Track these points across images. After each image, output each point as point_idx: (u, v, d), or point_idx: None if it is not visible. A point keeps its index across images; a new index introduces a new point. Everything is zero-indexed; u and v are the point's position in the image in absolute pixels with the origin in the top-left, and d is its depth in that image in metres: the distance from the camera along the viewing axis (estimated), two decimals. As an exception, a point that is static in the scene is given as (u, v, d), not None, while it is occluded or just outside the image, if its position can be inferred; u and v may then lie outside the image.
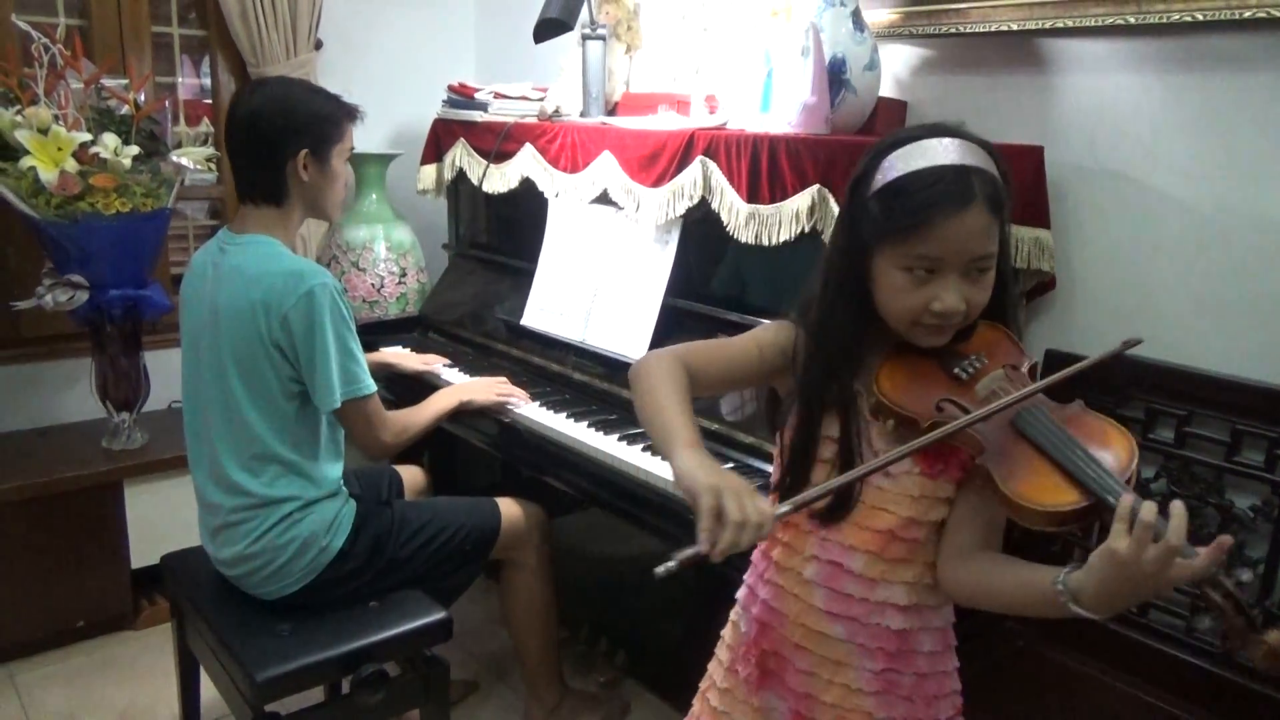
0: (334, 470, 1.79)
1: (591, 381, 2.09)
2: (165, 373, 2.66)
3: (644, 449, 1.82)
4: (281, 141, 1.72)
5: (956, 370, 1.05)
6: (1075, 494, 0.91)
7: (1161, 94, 1.69)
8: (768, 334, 1.18)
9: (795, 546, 1.11)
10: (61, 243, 2.26)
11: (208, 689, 1.94)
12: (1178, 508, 0.82)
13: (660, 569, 0.90)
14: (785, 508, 0.95)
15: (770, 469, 1.66)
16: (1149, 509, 0.82)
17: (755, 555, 1.19)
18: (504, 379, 2.10)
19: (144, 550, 2.45)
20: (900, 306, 1.03)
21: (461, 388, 2.05)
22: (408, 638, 1.68)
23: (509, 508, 1.95)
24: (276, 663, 1.56)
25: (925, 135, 1.03)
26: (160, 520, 2.45)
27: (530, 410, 2.02)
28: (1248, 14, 1.51)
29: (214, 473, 1.73)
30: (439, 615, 1.72)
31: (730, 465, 1.74)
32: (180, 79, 2.78)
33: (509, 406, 2.03)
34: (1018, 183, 1.69)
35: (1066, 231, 1.81)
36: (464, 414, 2.02)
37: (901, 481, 1.05)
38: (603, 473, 1.83)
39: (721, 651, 1.24)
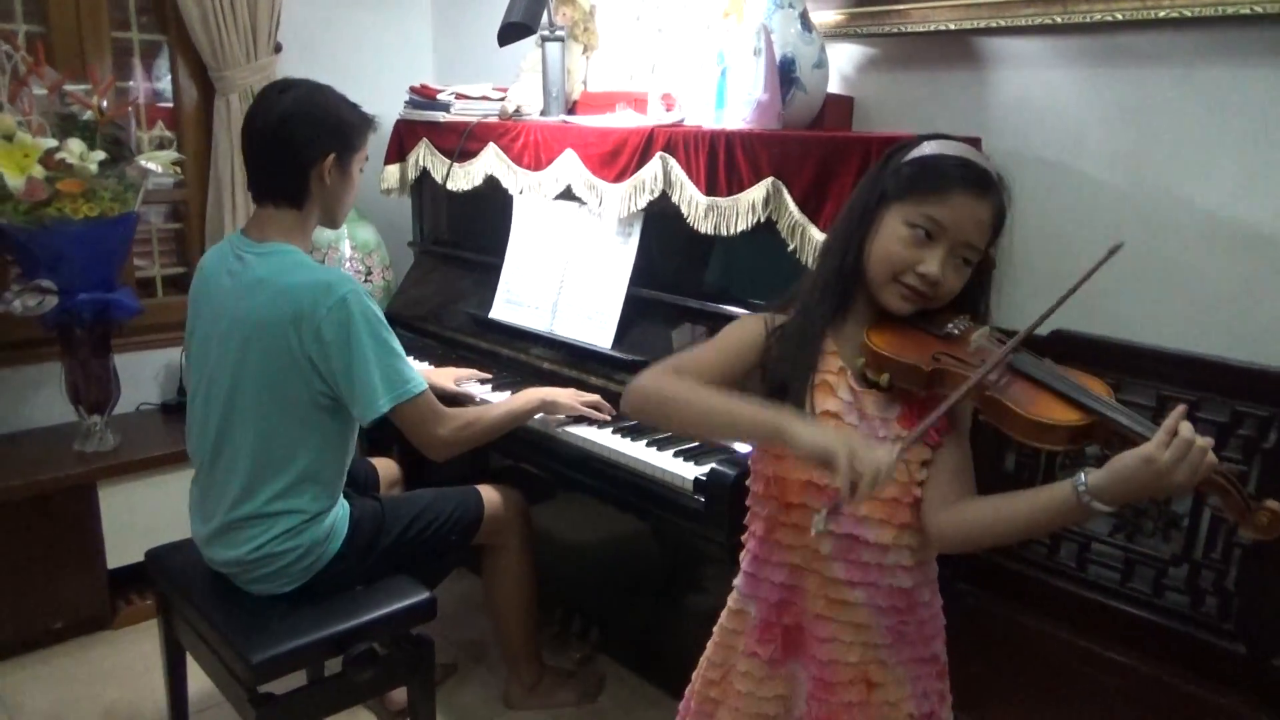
0: (340, 485, 1.81)
1: (560, 370, 2.17)
2: (134, 375, 2.70)
3: (613, 432, 1.91)
4: (311, 143, 1.72)
5: (949, 328, 1.17)
6: (1079, 414, 1.06)
7: (1086, 87, 1.82)
8: (739, 332, 1.26)
9: (806, 526, 1.16)
10: (30, 248, 2.29)
11: (193, 682, 2.00)
12: (1187, 425, 0.96)
13: (819, 528, 1.08)
14: (900, 446, 1.07)
15: (731, 446, 1.77)
16: (1188, 426, 0.97)
17: (753, 545, 1.26)
18: (575, 390, 2.01)
19: (120, 551, 2.49)
20: (893, 256, 1.15)
21: (545, 390, 1.97)
22: (395, 618, 1.75)
23: (491, 495, 2.01)
24: (270, 645, 1.62)
25: (962, 141, 1.19)
26: (135, 521, 2.48)
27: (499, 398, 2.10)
28: (1160, 14, 1.65)
29: (222, 478, 1.74)
30: (424, 596, 1.79)
31: (696, 444, 1.84)
32: (131, 82, 2.79)
33: (590, 415, 1.96)
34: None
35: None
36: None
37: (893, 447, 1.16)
38: (576, 456, 1.92)
39: (730, 641, 1.29)
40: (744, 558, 1.28)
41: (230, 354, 1.72)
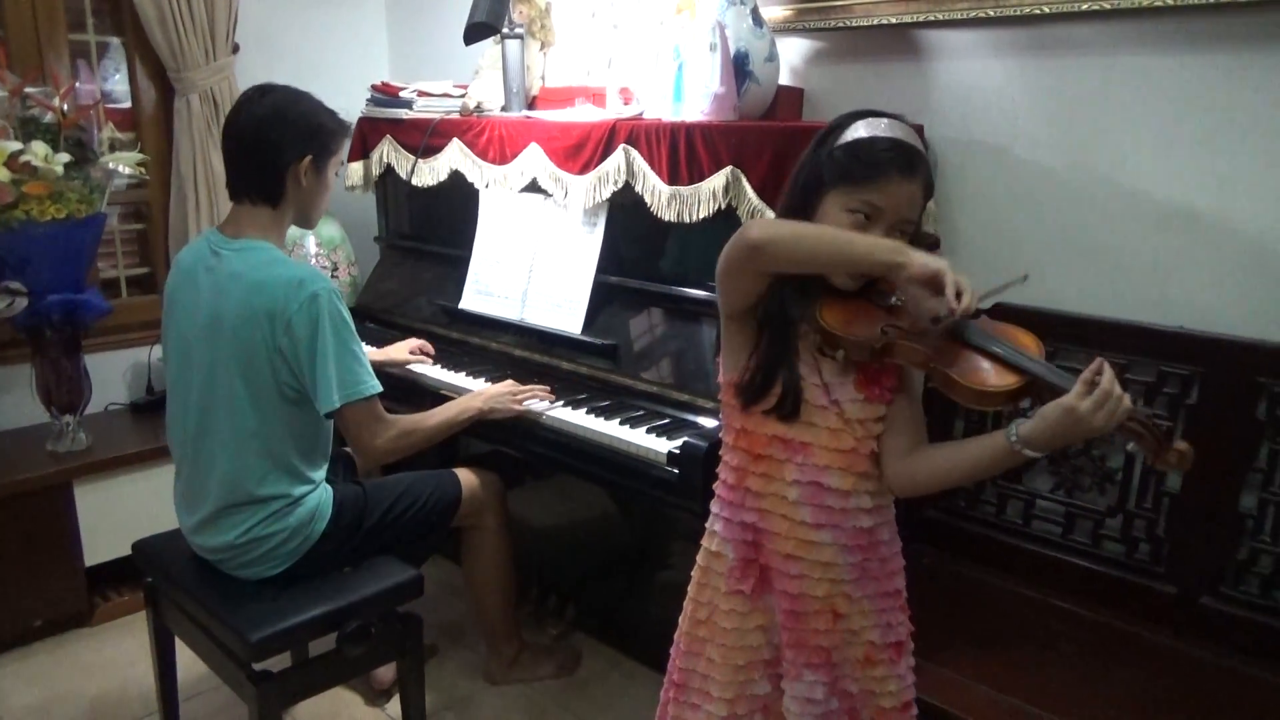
0: (322, 469, 1.88)
1: (531, 356, 2.25)
2: (102, 375, 2.71)
3: (588, 412, 2.00)
4: (289, 145, 1.78)
5: (893, 300, 1.27)
6: (1014, 376, 1.18)
7: (1019, 75, 1.95)
8: None
9: (773, 474, 1.30)
10: (-2, 251, 2.31)
11: (179, 670, 2.05)
12: (1108, 369, 1.09)
13: (943, 317, 1.17)
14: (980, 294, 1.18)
15: (700, 421, 1.88)
16: (1107, 375, 1.09)
17: (724, 493, 1.37)
18: (511, 382, 2.09)
19: (97, 548, 2.52)
20: None
21: (479, 395, 2.04)
22: (384, 595, 1.82)
23: (468, 477, 2.09)
24: (267, 624, 1.68)
25: (888, 117, 1.28)
26: (112, 518, 2.51)
27: (477, 387, 2.18)
28: (1084, 6, 1.78)
29: (205, 468, 1.80)
30: (411, 574, 1.87)
31: (667, 421, 1.94)
32: (90, 85, 2.80)
33: (533, 409, 2.03)
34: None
35: (948, 197, 2.07)
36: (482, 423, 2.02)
37: (847, 408, 1.28)
38: (554, 438, 2.00)
39: (711, 581, 1.38)
40: (716, 504, 1.39)
41: (208, 347, 1.78)
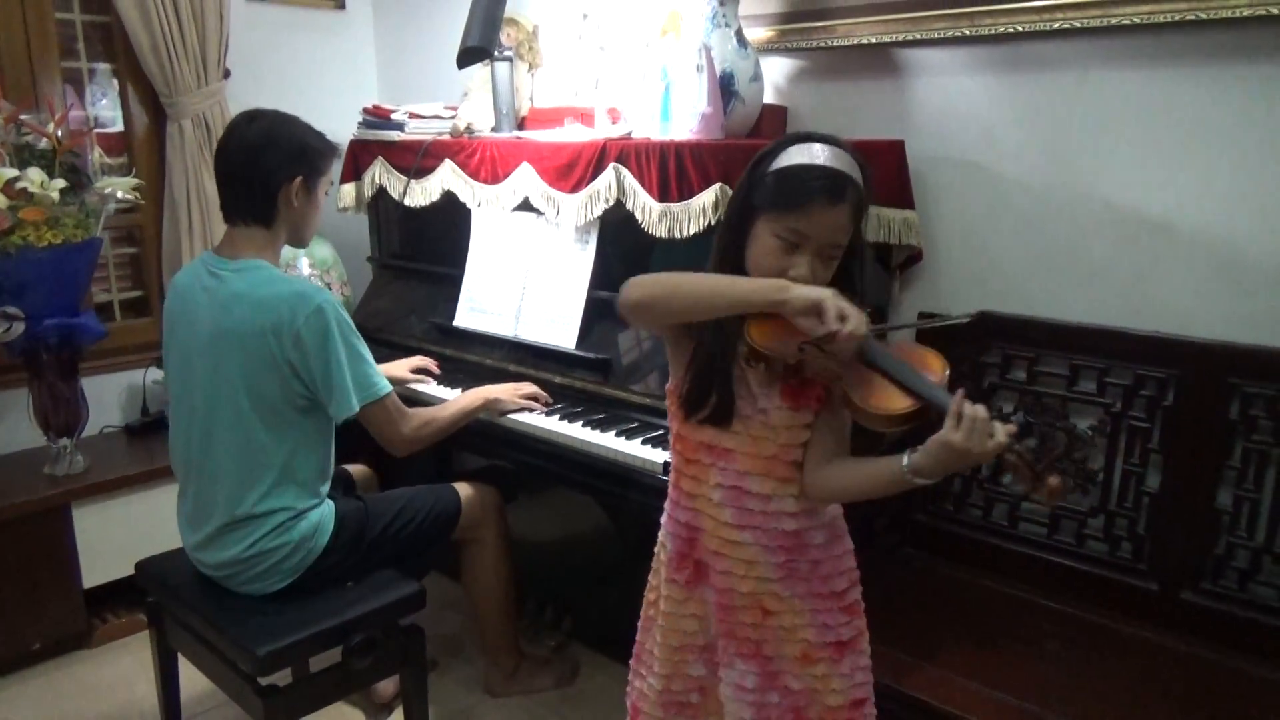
0: (325, 484, 1.92)
1: (525, 371, 2.29)
2: (97, 398, 2.73)
3: (584, 425, 2.04)
4: (280, 166, 1.84)
5: None
6: (909, 400, 1.21)
7: (996, 92, 2.02)
8: None
9: (701, 478, 1.38)
10: (-5, 276, 2.33)
11: (185, 688, 2.07)
12: (982, 409, 1.14)
13: (803, 348, 1.22)
14: (866, 324, 1.21)
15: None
16: (971, 406, 1.14)
17: (669, 490, 1.45)
18: (526, 384, 2.19)
19: (95, 570, 2.53)
20: (765, 265, 1.30)
21: (487, 389, 2.14)
22: (387, 608, 1.85)
23: (467, 491, 2.13)
24: (273, 638, 1.71)
25: (822, 141, 1.30)
26: (110, 540, 2.53)
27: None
28: (1055, 25, 1.86)
29: (210, 485, 1.84)
30: (413, 587, 1.90)
31: (661, 431, 1.99)
32: (81, 111, 2.82)
33: (532, 408, 2.12)
34: (885, 173, 2.01)
35: (928, 211, 2.13)
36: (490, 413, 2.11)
37: (773, 415, 1.33)
38: (548, 449, 2.04)
39: (657, 569, 1.49)
40: (667, 503, 1.47)
41: (210, 366, 1.82)
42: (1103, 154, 1.90)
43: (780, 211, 1.27)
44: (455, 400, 2.10)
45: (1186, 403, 1.79)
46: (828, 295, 1.20)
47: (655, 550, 1.51)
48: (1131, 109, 1.85)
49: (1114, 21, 1.79)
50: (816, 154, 1.28)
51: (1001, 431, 1.13)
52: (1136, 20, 1.77)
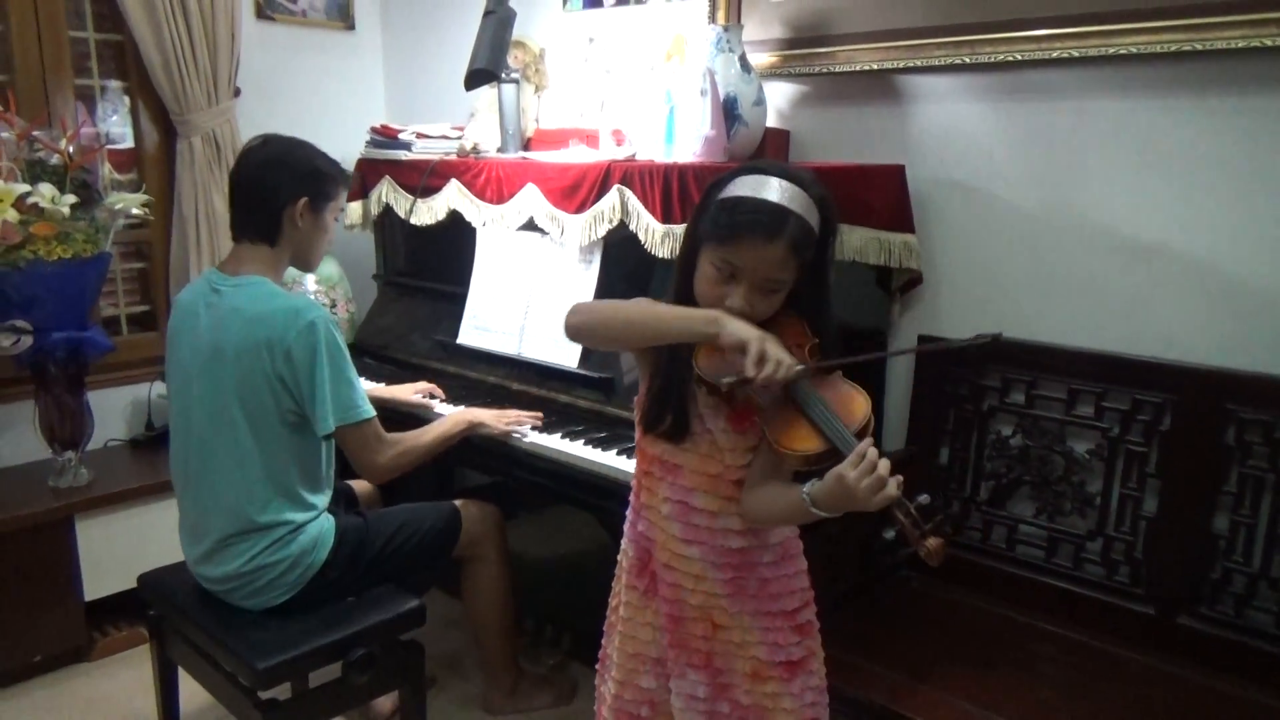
0: (323, 497, 1.94)
1: (528, 389, 2.31)
2: (102, 412, 2.75)
3: (585, 443, 2.05)
4: (285, 186, 1.88)
5: None
6: (818, 441, 1.23)
7: (995, 119, 2.05)
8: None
9: (654, 490, 1.41)
10: (4, 290, 2.35)
11: (185, 702, 2.08)
12: (885, 462, 1.16)
13: (722, 384, 1.23)
14: (800, 367, 1.24)
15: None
16: (874, 453, 1.16)
17: (632, 499, 1.48)
18: (512, 410, 2.16)
19: (97, 583, 2.54)
20: (705, 294, 1.33)
21: (470, 412, 2.14)
22: (387, 624, 1.86)
23: (467, 509, 2.14)
24: (273, 653, 1.72)
25: (775, 174, 1.30)
26: (112, 553, 2.54)
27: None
28: (1054, 54, 1.89)
29: (208, 499, 1.86)
30: (413, 603, 1.91)
31: (604, 434, 2.03)
32: (92, 127, 2.86)
33: (515, 435, 2.10)
34: (885, 196, 2.04)
35: (929, 235, 2.15)
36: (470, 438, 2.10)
37: (719, 437, 1.36)
38: (550, 467, 2.06)
39: (619, 575, 1.52)
40: (629, 511, 1.50)
41: (209, 381, 1.84)
42: (1101, 180, 1.92)
43: (718, 243, 1.29)
44: (435, 425, 2.09)
45: (1183, 428, 1.80)
46: (754, 338, 1.22)
47: (618, 557, 1.53)
48: (1129, 137, 1.88)
49: (1112, 51, 1.82)
50: (762, 187, 1.28)
51: (894, 485, 1.15)
52: (1134, 50, 1.79)
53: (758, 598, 1.40)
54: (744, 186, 1.29)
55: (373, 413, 1.90)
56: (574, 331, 1.42)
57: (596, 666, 1.59)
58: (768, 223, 1.26)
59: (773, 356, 1.21)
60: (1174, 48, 1.75)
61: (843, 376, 1.32)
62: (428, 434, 2.05)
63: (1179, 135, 1.82)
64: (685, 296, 1.37)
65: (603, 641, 1.58)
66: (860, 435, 1.22)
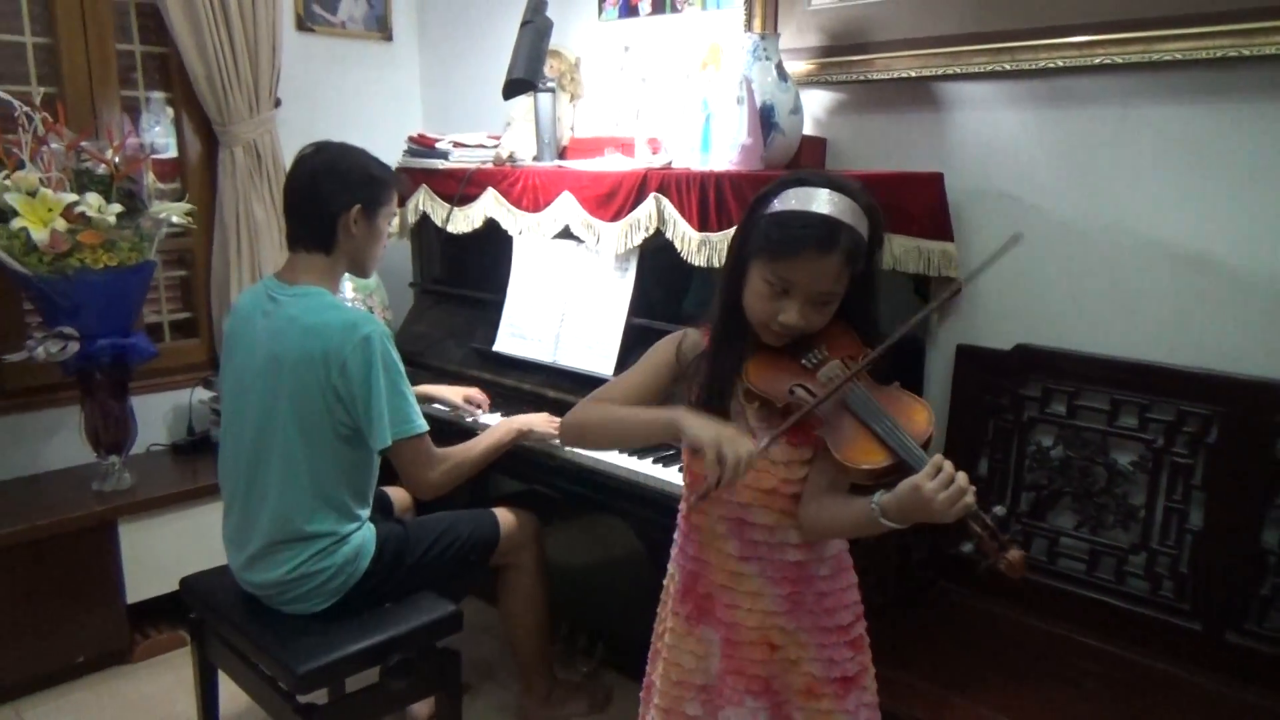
0: (367, 508, 1.95)
1: (564, 397, 2.31)
2: (144, 417, 2.80)
3: (620, 452, 2.05)
4: (339, 194, 1.88)
5: (804, 361, 1.33)
6: (884, 455, 1.21)
7: (1035, 126, 2.03)
8: (653, 357, 1.47)
9: (705, 510, 1.38)
10: (53, 297, 2.40)
11: (224, 704, 2.10)
12: (963, 474, 1.15)
13: (691, 504, 1.27)
14: (763, 443, 1.25)
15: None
16: (949, 464, 1.14)
17: (681, 523, 1.46)
18: (547, 415, 2.15)
19: (138, 586, 2.58)
20: (756, 309, 1.32)
21: (517, 419, 2.12)
22: (424, 630, 1.88)
23: (506, 516, 2.15)
24: (312, 657, 1.74)
25: (823, 184, 1.29)
26: (154, 556, 2.58)
27: (512, 425, 2.25)
28: (1096, 60, 1.86)
29: (256, 506, 1.87)
30: (450, 609, 1.92)
31: (671, 450, 2.01)
32: (136, 138, 2.91)
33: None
34: (924, 205, 2.02)
35: (968, 243, 2.13)
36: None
37: (773, 450, 1.33)
38: (586, 474, 2.06)
39: (665, 601, 1.51)
40: (676, 534, 1.49)
41: (264, 389, 1.85)
42: (1144, 189, 1.89)
43: (770, 258, 1.27)
44: (484, 436, 2.08)
45: (1230, 440, 1.76)
46: (708, 442, 1.22)
47: (665, 582, 1.52)
48: (1174, 144, 1.85)
49: (1156, 58, 1.79)
50: (811, 200, 1.27)
51: (972, 496, 1.13)
52: (1179, 56, 1.77)
53: (814, 612, 1.39)
54: (792, 199, 1.28)
55: (426, 427, 1.90)
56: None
57: (641, 694, 1.57)
58: (821, 236, 1.24)
59: (730, 458, 1.20)
60: (1220, 53, 1.72)
61: (900, 387, 1.31)
62: (477, 446, 2.04)
63: (1225, 142, 1.79)
64: (733, 314, 1.35)
65: (647, 669, 1.56)
66: (924, 447, 1.20)
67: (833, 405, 1.27)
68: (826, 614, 1.39)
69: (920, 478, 1.14)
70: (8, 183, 2.33)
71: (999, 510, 1.16)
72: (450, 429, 2.33)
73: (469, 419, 2.31)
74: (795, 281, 1.26)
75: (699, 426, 1.26)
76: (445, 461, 1.95)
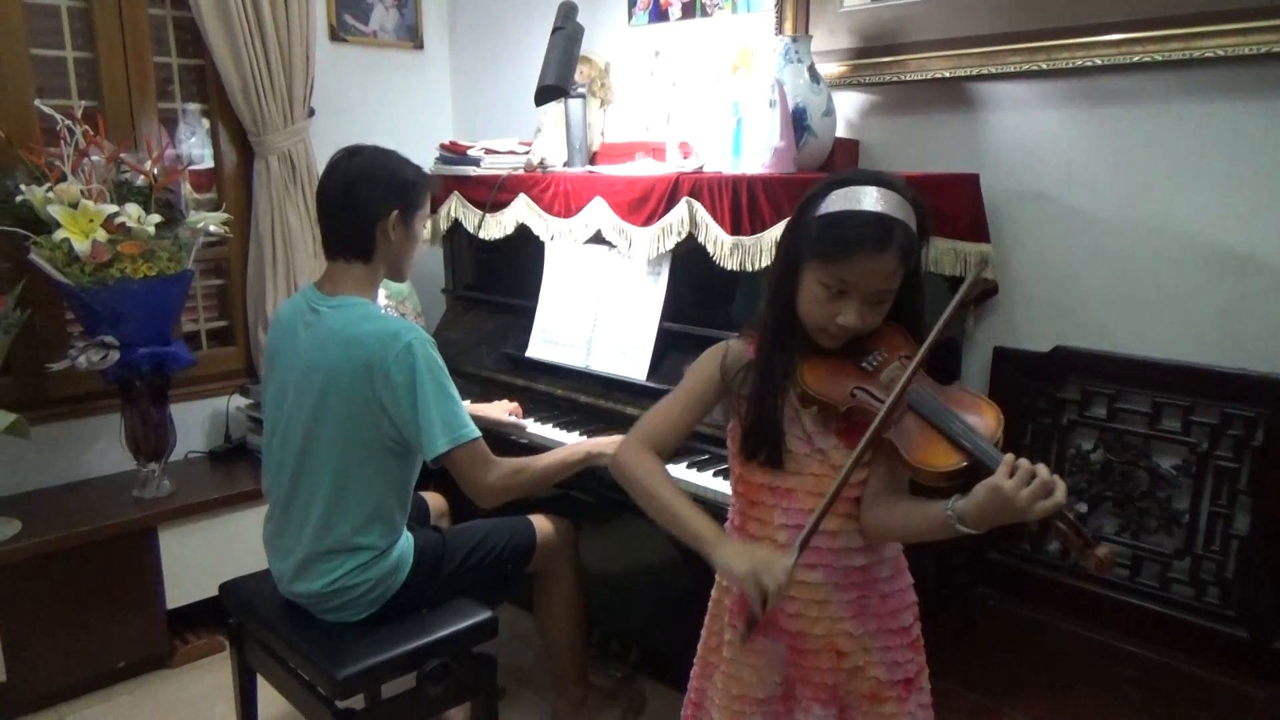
0: (406, 516, 1.94)
1: (596, 402, 2.31)
2: (182, 424, 2.83)
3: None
4: (378, 201, 1.86)
5: (864, 364, 1.31)
6: (957, 456, 1.18)
7: (1073, 126, 2.00)
8: (697, 375, 1.43)
9: (765, 520, 1.36)
10: (94, 307, 2.44)
11: (263, 709, 2.12)
12: (1043, 466, 1.11)
13: (742, 639, 1.31)
14: (794, 556, 1.24)
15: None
16: (1026, 462, 1.11)
17: (731, 532, 1.43)
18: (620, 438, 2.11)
19: (178, 592, 2.61)
20: (813, 313, 1.30)
21: (592, 442, 2.06)
22: (461, 635, 1.87)
23: (542, 524, 2.14)
24: (351, 663, 1.75)
25: (869, 182, 1.28)
26: (193, 562, 2.62)
27: (546, 430, 2.25)
28: (1135, 58, 1.84)
29: (300, 516, 1.87)
30: (486, 615, 1.92)
31: (705, 456, 2.02)
32: (175, 150, 2.96)
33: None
34: (960, 206, 2.00)
35: (1004, 245, 2.11)
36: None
37: (832, 455, 1.32)
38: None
39: (719, 612, 1.46)
40: None
41: (307, 399, 1.85)
42: (1185, 188, 1.87)
43: (824, 260, 1.26)
44: (555, 451, 2.03)
45: (1277, 443, 1.73)
46: (744, 576, 1.22)
47: (714, 595, 1.49)
48: (1215, 142, 1.82)
49: (1196, 55, 1.77)
50: (861, 199, 1.25)
51: (1061, 491, 1.10)
52: (1220, 53, 1.74)
53: (879, 615, 1.37)
54: (841, 200, 1.26)
55: (478, 433, 1.86)
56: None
57: (684, 713, 1.55)
58: (876, 234, 1.23)
59: (771, 587, 1.20)
60: (1263, 49, 1.69)
61: (963, 384, 1.29)
62: (544, 458, 1.99)
63: (1269, 140, 1.76)
64: (785, 320, 1.33)
65: (691, 684, 1.53)
66: (996, 446, 1.17)
67: (899, 408, 1.24)
68: (890, 616, 1.38)
69: (998, 477, 1.10)
70: (51, 195, 2.37)
71: (1082, 507, 1.14)
72: (510, 445, 2.30)
73: (524, 439, 2.28)
74: (853, 282, 1.25)
75: (733, 559, 1.25)
76: (503, 466, 1.89)
